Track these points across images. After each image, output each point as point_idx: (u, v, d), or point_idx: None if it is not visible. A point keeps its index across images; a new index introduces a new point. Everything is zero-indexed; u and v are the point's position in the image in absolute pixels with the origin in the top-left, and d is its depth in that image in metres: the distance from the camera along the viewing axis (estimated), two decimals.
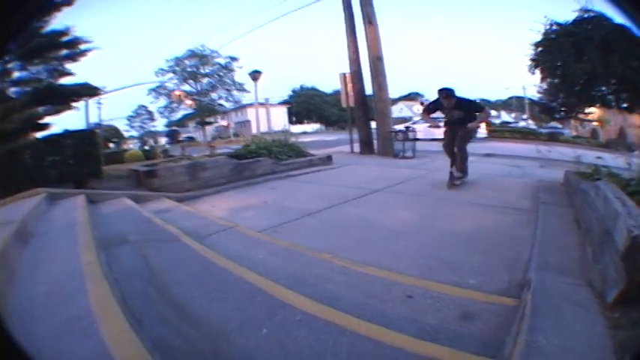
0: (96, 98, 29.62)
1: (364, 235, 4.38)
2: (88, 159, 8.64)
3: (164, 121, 56.29)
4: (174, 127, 53.37)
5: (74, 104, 27.08)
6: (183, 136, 49.95)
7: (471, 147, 7.67)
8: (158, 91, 51.52)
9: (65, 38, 27.03)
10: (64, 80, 26.90)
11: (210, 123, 52.76)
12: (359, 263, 3.39)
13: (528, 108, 40.18)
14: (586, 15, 9.06)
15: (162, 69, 51.24)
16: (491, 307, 2.52)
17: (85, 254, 3.16)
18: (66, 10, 29.55)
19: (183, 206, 6.52)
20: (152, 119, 59.22)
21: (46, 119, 26.52)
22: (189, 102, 49.79)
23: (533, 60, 10.44)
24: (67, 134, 9.23)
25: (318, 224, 4.97)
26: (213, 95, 51.76)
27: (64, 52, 27.56)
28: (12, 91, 27.88)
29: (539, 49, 10.26)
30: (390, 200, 6.39)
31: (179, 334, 2.17)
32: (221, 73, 51.27)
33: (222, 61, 51.23)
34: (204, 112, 51.12)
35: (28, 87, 27.11)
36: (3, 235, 3.67)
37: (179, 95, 49.76)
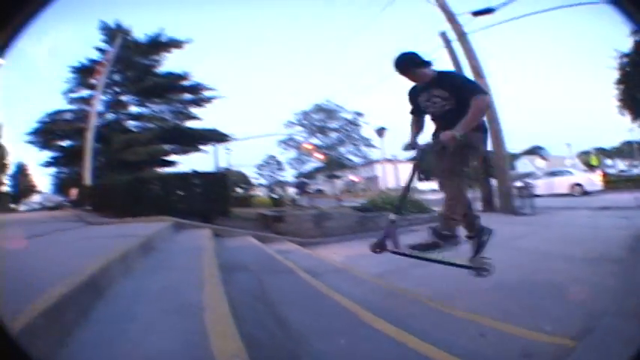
0: (225, 144, 31.97)
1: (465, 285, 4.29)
2: (217, 198, 9.36)
3: (293, 171, 58.37)
4: (303, 179, 55.29)
5: (202, 147, 29.89)
6: (311, 188, 51.74)
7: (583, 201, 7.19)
8: (287, 142, 54.71)
9: (185, 82, 29.93)
10: (192, 124, 29.80)
11: (338, 177, 53.76)
12: (451, 307, 3.57)
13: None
14: None
15: (290, 121, 55.02)
16: (552, 347, 2.67)
17: (207, 268, 3.53)
18: (180, 54, 32.33)
19: (305, 250, 6.99)
20: (281, 169, 61.62)
21: (173, 157, 29.52)
22: (319, 155, 51.25)
23: (620, 100, 9.56)
24: (200, 174, 10.16)
25: (425, 273, 4.91)
26: (342, 150, 53.89)
27: (187, 96, 30.78)
28: (131, 124, 31.51)
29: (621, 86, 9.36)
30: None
31: (273, 338, 2.61)
32: (348, 128, 53.46)
33: (348, 116, 53.51)
34: (333, 165, 52.54)
35: (150, 124, 30.45)
36: (128, 241, 4.37)
37: (309, 148, 51.84)
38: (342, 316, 3.01)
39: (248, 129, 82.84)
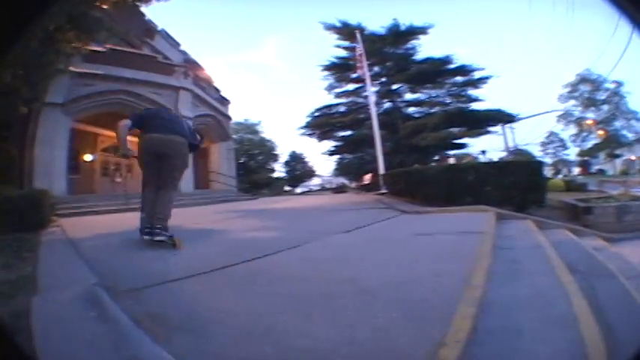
0: (511, 124, 31.58)
1: None
2: (533, 187, 9.10)
3: (575, 149, 55.49)
4: (586, 158, 51.76)
5: (491, 129, 29.96)
6: (594, 168, 48.07)
7: None
8: (566, 118, 52.18)
9: (449, 66, 30.18)
10: (476, 106, 30.03)
11: (618, 156, 49.41)
12: None
13: None
14: None
15: (562, 95, 52.42)
16: None
17: (560, 272, 3.49)
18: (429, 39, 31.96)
19: (612, 248, 6.53)
20: (564, 147, 59.20)
21: (465, 140, 29.80)
22: (599, 132, 47.99)
23: None
24: (515, 162, 10.40)
25: None
26: (616, 125, 48.87)
27: (459, 79, 30.75)
28: (411, 110, 32.86)
29: None
30: None
31: None
32: (615, 100, 48.31)
33: (610, 86, 48.56)
34: (613, 143, 48.29)
35: (432, 109, 31.10)
36: (477, 240, 4.62)
37: (589, 124, 48.71)
38: None
39: (526, 106, 79.82)
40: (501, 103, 53.28)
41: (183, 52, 26.18)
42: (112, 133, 20.56)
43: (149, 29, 22.83)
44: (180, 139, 5.42)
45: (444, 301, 2.59)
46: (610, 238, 7.44)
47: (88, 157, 19.88)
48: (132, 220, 8.72)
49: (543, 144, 58.67)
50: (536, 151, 50.86)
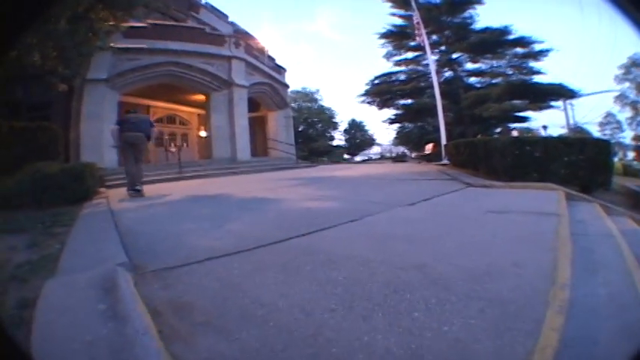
0: (571, 101, 30.36)
1: None
2: (602, 168, 8.69)
3: (630, 133, 52.69)
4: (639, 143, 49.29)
5: (553, 103, 28.55)
6: None
7: None
8: (622, 100, 49.93)
9: (509, 37, 28.69)
10: (538, 79, 28.20)
11: None
12: None
13: None
14: None
15: (617, 76, 49.54)
16: None
17: (635, 272, 3.01)
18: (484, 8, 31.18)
19: None
20: (620, 129, 56.63)
21: (526, 113, 28.86)
22: None
23: None
24: (584, 140, 9.62)
25: None
26: None
27: (519, 50, 29.27)
28: (471, 80, 31.48)
29: None
30: None
31: None
32: None
33: None
34: None
35: (493, 80, 29.88)
36: (554, 222, 4.20)
37: None
38: None
39: (584, 84, 77.72)
40: (561, 79, 51.17)
41: (233, 24, 25.77)
42: (165, 104, 21.10)
43: (193, 3, 22.67)
44: (140, 134, 8.63)
45: (529, 302, 2.19)
46: None
47: None
48: (184, 188, 9.04)
49: (601, 124, 56.43)
50: (595, 131, 49.68)
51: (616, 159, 33.03)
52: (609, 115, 55.79)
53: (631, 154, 48.15)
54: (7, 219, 5.24)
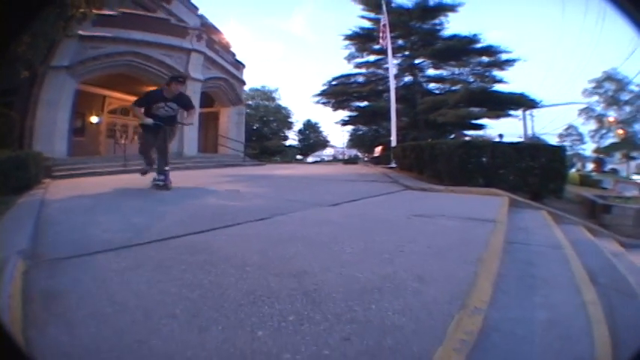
0: (531, 110, 31.09)
1: None
2: (554, 175, 8.50)
3: (592, 145, 55.69)
4: (601, 155, 50.81)
5: (512, 112, 29.00)
6: (608, 166, 46.87)
7: None
8: (587, 113, 52.54)
9: (476, 45, 29.13)
10: (500, 88, 28.82)
11: (634, 158, 49.26)
12: None
13: None
14: None
15: (587, 89, 52.33)
16: None
17: (584, 288, 2.75)
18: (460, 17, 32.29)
19: (628, 255, 5.75)
20: (581, 141, 59.29)
21: (483, 121, 29.14)
22: (619, 131, 47.93)
23: None
24: (536, 146, 9.59)
25: None
26: (636, 127, 49.23)
27: (485, 59, 29.77)
28: (430, 86, 32.25)
29: None
30: None
31: None
32: (638, 103, 48.32)
33: (635, 88, 48.10)
34: (630, 145, 48.13)
35: (454, 86, 30.22)
36: (487, 230, 3.93)
37: (611, 121, 48.95)
38: None
39: (549, 95, 79.37)
40: (525, 88, 52.59)
41: (201, 16, 25.36)
42: (121, 95, 20.59)
43: None
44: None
45: (418, 332, 1.74)
46: (626, 243, 6.84)
47: (94, 119, 19.79)
48: (123, 181, 8.81)
49: (561, 135, 58.30)
50: (554, 142, 50.30)
51: (574, 170, 34.08)
52: (571, 127, 58.42)
53: (590, 166, 49.59)
54: None
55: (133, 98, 7.79)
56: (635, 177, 37.23)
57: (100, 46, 16.05)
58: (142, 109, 7.04)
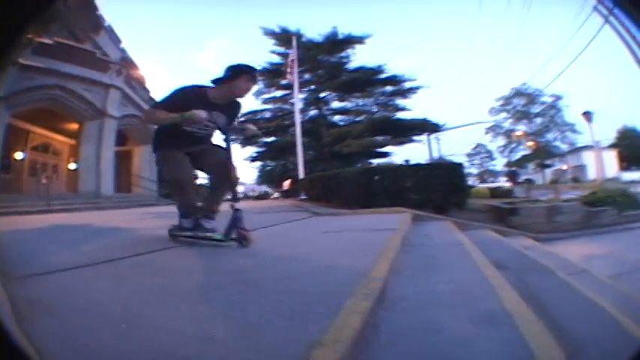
0: (436, 134, 31.76)
1: None
2: (454, 189, 9.10)
3: (502, 160, 56.69)
4: (513, 168, 53.21)
5: (416, 138, 30.01)
6: (522, 177, 49.21)
7: None
8: (494, 130, 53.06)
9: (381, 75, 30.20)
10: (403, 115, 30.14)
11: (548, 166, 51.52)
12: None
13: None
14: None
15: (494, 108, 53.26)
16: None
17: (483, 268, 3.17)
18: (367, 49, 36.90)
19: (543, 246, 6.62)
20: (490, 158, 60.54)
21: (387, 149, 30.09)
22: (529, 143, 49.40)
23: None
24: (435, 165, 10.41)
25: None
26: (549, 136, 50.66)
27: (389, 88, 30.75)
28: (336, 118, 33.01)
29: None
30: None
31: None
32: (551, 113, 49.96)
33: (547, 99, 50.00)
34: (543, 154, 49.94)
35: (358, 117, 31.24)
36: (388, 235, 4.27)
37: (519, 135, 50.09)
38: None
39: (455, 118, 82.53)
40: (431, 114, 54.35)
41: (122, 50, 24.81)
42: (43, 131, 19.55)
43: (97, 24, 21.52)
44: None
45: (331, 294, 2.17)
46: (541, 238, 7.59)
47: (18, 155, 18.62)
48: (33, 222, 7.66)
49: (469, 155, 59.97)
50: (462, 162, 51.73)
51: (486, 185, 35.09)
52: (479, 145, 59.54)
53: (502, 179, 51.34)
54: None
55: (54, 135, 5.82)
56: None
57: (35, 76, 15.33)
58: (165, 115, 3.76)
